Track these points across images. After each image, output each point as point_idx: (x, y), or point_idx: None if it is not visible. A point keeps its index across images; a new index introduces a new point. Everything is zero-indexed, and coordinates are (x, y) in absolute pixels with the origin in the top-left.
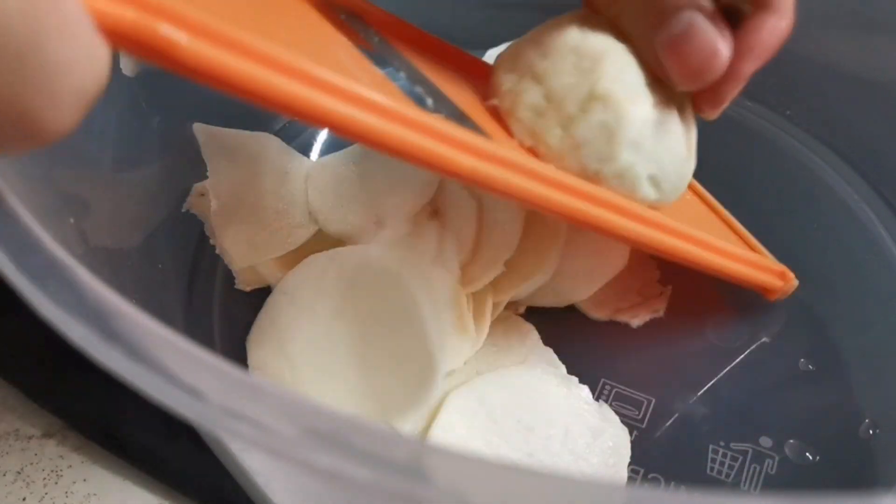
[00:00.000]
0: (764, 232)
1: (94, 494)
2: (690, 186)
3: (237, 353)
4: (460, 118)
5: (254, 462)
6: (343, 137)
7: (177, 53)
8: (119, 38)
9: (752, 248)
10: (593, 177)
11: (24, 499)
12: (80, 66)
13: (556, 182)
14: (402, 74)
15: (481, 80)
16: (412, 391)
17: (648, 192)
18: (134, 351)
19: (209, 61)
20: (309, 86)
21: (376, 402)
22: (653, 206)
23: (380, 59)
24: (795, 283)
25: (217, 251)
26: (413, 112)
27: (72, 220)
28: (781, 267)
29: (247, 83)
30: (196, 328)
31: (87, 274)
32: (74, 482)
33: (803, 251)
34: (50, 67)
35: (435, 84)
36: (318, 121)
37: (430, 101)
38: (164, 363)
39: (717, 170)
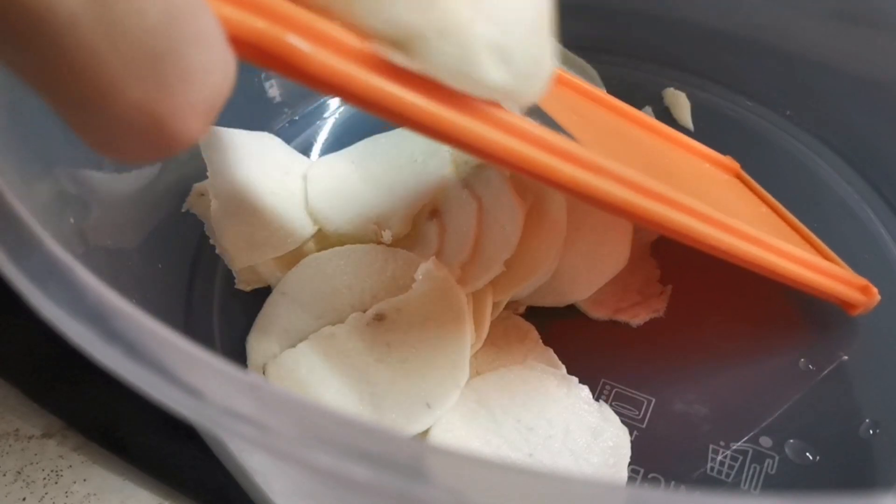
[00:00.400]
0: None
1: (94, 494)
2: (765, 200)
3: (237, 353)
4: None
5: (254, 462)
6: (434, 139)
7: (301, 62)
8: (245, 47)
9: (835, 262)
10: (401, 42)
11: (24, 499)
12: (214, 75)
13: (633, 183)
14: None
15: None
16: (423, 388)
17: (491, 71)
18: (133, 350)
19: (332, 70)
20: (426, 96)
21: (380, 399)
22: (501, 100)
23: None
24: (878, 297)
25: (217, 251)
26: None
27: (72, 220)
28: (863, 280)
29: (368, 93)
30: (196, 328)
31: (86, 273)
32: (74, 482)
33: None
34: (188, 76)
35: None
36: (432, 133)
37: None
38: (164, 363)
39: None
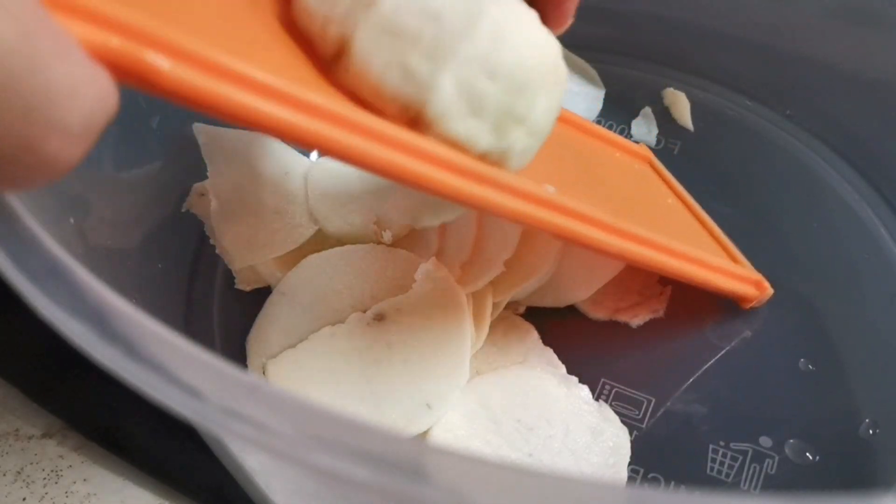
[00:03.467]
0: (763, 231)
1: (94, 494)
2: (674, 190)
3: (237, 353)
4: None
5: (254, 462)
6: (323, 153)
7: (160, 80)
8: (110, 68)
9: (731, 256)
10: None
11: (24, 499)
12: (82, 90)
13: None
14: None
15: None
16: (423, 388)
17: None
18: (132, 350)
19: (191, 87)
20: (286, 105)
21: (381, 400)
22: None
23: None
24: (770, 291)
25: (217, 251)
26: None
27: (72, 220)
28: (757, 276)
29: (230, 107)
30: (196, 328)
31: (86, 273)
32: (74, 482)
33: (803, 250)
34: (53, 96)
35: None
36: (295, 140)
37: None
38: (163, 362)
39: (716, 169)
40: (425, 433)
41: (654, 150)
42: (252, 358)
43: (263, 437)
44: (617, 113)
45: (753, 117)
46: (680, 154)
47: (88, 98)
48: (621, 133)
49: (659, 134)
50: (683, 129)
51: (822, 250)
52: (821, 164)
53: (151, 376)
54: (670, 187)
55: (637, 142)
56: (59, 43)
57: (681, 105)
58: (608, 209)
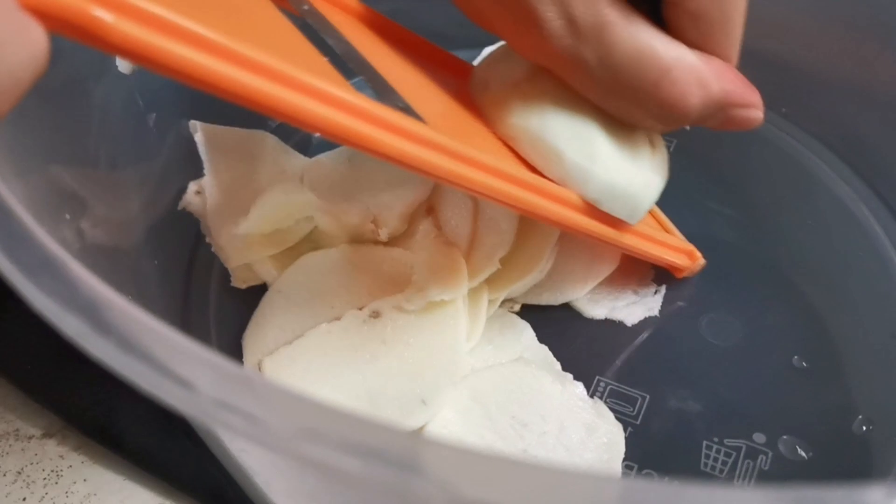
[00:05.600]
0: (757, 229)
1: (94, 494)
2: None
3: (233, 350)
4: (390, 95)
5: (252, 461)
6: (268, 115)
7: (105, 33)
8: (46, 19)
9: (665, 229)
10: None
11: (24, 499)
12: (11, 42)
13: (483, 165)
14: (332, 44)
15: (451, 72)
16: (418, 384)
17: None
18: (126, 343)
19: (136, 41)
20: (235, 65)
21: (376, 396)
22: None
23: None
24: (703, 262)
25: (213, 249)
26: (340, 91)
27: (68, 217)
28: (689, 246)
29: (173, 63)
30: (193, 326)
31: (79, 267)
32: (74, 482)
33: (798, 248)
34: None
35: (369, 62)
36: (239, 100)
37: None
38: (156, 355)
39: (712, 167)
40: (421, 430)
41: None
42: (248, 355)
43: (254, 430)
44: None
45: None
46: (675, 152)
47: (18, 51)
48: None
49: None
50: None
51: (817, 247)
52: (816, 161)
53: (143, 368)
54: None
55: None
56: None
57: None
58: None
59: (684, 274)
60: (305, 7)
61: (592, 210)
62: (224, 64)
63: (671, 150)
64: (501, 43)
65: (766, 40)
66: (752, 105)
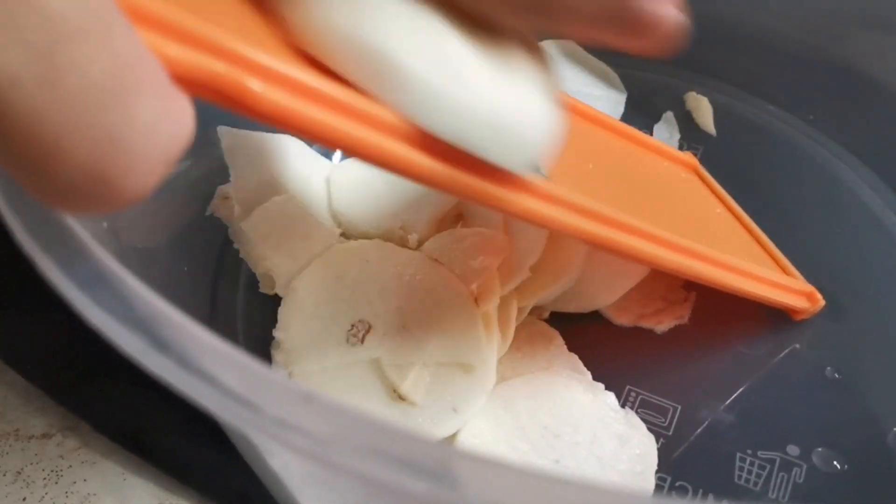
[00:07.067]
0: (786, 237)
1: (94, 494)
2: (721, 199)
3: (261, 357)
4: None
5: (291, 472)
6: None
7: (253, 102)
8: (199, 88)
9: (782, 266)
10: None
11: (24, 499)
12: (163, 122)
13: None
14: None
15: None
16: (449, 392)
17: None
18: (186, 361)
19: (283, 109)
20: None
21: (407, 403)
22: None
23: None
24: (822, 303)
25: (241, 254)
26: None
27: (105, 225)
28: (809, 288)
29: (319, 130)
30: (220, 331)
31: (136, 281)
32: (74, 482)
33: (828, 258)
34: (131, 128)
35: None
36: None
37: None
38: (215, 373)
39: (739, 174)
40: (452, 438)
41: None
42: (277, 363)
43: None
44: (639, 117)
45: (776, 122)
46: (702, 159)
47: (169, 129)
48: None
49: (681, 139)
50: (706, 133)
51: (846, 257)
52: (843, 168)
53: (206, 388)
54: (717, 196)
55: None
56: (148, 75)
57: (703, 109)
58: (658, 221)
59: (803, 316)
60: None
61: (697, 253)
62: (370, 131)
63: (697, 157)
64: None
65: (793, 46)
66: None
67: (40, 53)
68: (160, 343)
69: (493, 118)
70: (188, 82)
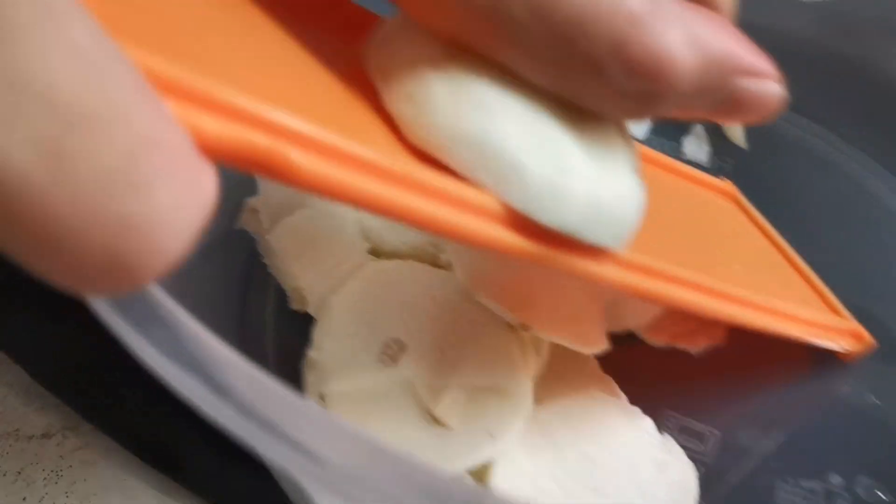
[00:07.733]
0: (819, 255)
1: (95, 494)
2: (762, 229)
3: (292, 375)
4: None
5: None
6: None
7: (294, 173)
8: (237, 160)
9: (828, 303)
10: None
11: (24, 499)
12: (187, 202)
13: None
14: None
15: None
16: (484, 417)
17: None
18: (244, 408)
19: (324, 178)
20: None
21: (442, 428)
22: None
23: None
24: (871, 342)
25: (270, 269)
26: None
27: None
28: (856, 326)
29: (356, 195)
30: (250, 347)
31: (195, 323)
32: (74, 482)
33: (862, 276)
34: (156, 214)
35: None
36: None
37: None
38: (278, 421)
39: (771, 189)
40: (488, 468)
41: (707, 170)
42: (309, 385)
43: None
44: (668, 130)
45: (808, 136)
46: (733, 173)
47: (192, 208)
48: (672, 152)
49: (711, 152)
50: (737, 147)
51: (884, 275)
52: (877, 184)
53: (266, 436)
54: (758, 226)
55: (688, 161)
56: (172, 153)
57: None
58: (702, 264)
59: (852, 359)
60: None
61: (747, 301)
62: (414, 196)
63: (728, 171)
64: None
65: (827, 60)
66: (764, 73)
67: (49, 149)
68: (220, 390)
69: (595, 205)
70: (221, 153)
